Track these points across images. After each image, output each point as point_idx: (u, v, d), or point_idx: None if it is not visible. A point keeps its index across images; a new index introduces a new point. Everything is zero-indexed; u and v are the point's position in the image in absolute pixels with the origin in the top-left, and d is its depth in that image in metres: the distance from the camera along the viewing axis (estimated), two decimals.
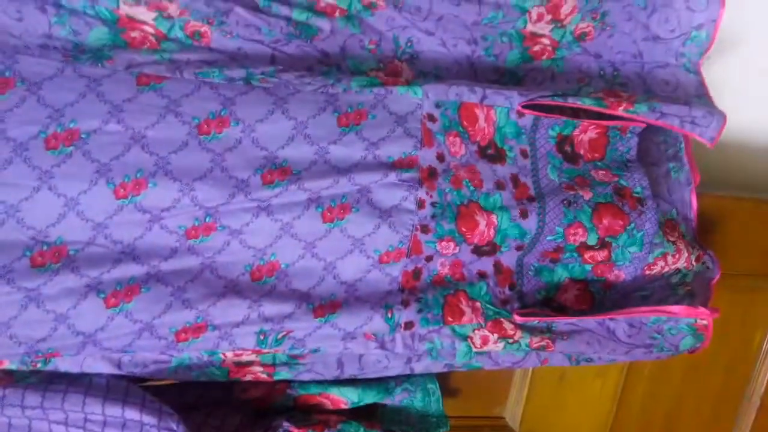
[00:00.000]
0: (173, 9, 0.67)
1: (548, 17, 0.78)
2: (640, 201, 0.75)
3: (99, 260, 0.63)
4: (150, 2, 0.67)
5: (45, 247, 0.62)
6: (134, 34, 0.67)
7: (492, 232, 0.72)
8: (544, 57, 0.80)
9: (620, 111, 0.74)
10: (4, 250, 0.61)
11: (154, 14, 0.67)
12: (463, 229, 0.71)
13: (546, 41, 0.79)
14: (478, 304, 0.73)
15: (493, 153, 0.74)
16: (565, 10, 0.78)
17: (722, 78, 0.89)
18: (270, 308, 0.67)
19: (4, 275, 0.61)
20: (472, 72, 0.79)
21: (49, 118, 0.62)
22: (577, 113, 0.76)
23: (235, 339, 0.67)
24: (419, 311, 0.71)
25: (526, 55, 0.80)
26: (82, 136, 0.62)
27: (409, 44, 0.76)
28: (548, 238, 0.73)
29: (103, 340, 0.64)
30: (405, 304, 0.71)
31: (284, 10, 0.71)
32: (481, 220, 0.71)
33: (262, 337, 0.67)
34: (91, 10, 0.65)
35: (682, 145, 0.83)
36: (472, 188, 0.72)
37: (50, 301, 0.62)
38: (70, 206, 0.62)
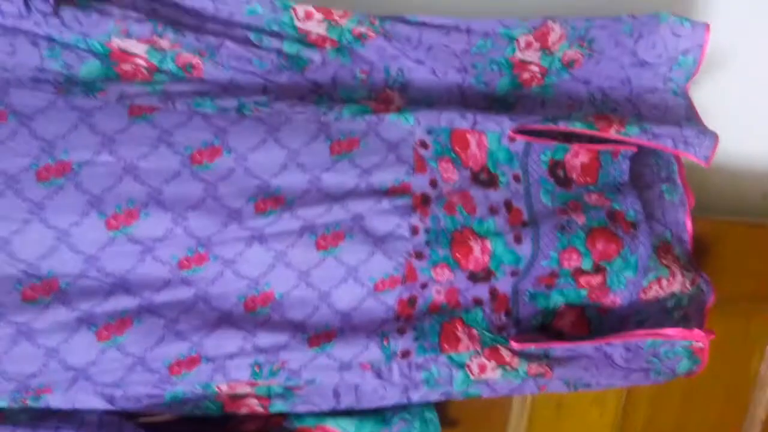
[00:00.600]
0: (165, 43, 0.68)
1: (536, 45, 0.79)
2: (634, 225, 0.75)
3: (91, 293, 0.62)
4: (141, 37, 0.67)
5: (36, 281, 0.61)
6: (126, 66, 0.67)
7: (486, 257, 0.72)
8: (534, 84, 0.81)
9: (612, 133, 0.74)
10: None
11: (145, 47, 0.67)
12: (458, 255, 0.71)
13: (535, 68, 0.80)
14: (474, 331, 0.72)
15: (485, 178, 0.75)
16: (552, 37, 0.79)
17: (712, 101, 0.90)
18: (264, 339, 0.66)
19: None
20: (463, 100, 0.79)
21: (40, 150, 0.62)
22: (569, 138, 0.77)
23: (230, 371, 0.66)
24: (415, 339, 0.71)
25: (516, 82, 0.80)
26: (74, 167, 0.62)
27: (399, 73, 0.77)
28: (543, 263, 0.72)
29: (95, 374, 0.63)
30: (401, 332, 0.70)
31: (275, 43, 0.72)
32: (476, 246, 0.71)
33: (257, 369, 0.66)
34: (83, 43, 0.66)
35: (675, 167, 0.83)
36: (465, 214, 0.72)
37: (41, 335, 0.61)
38: (61, 238, 0.61)
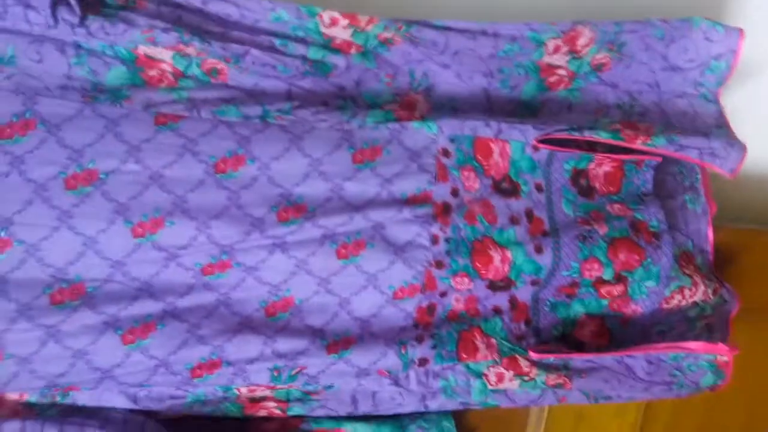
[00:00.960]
0: (191, 50, 0.68)
1: (565, 48, 0.78)
2: (656, 235, 0.74)
3: (116, 298, 0.64)
4: (168, 44, 0.68)
5: (64, 285, 0.63)
6: (152, 72, 0.68)
7: (507, 267, 0.72)
8: (561, 87, 0.80)
9: (638, 144, 0.73)
10: (25, 289, 0.62)
11: (171, 53, 0.68)
12: (478, 265, 0.71)
13: (563, 72, 0.79)
14: (493, 340, 0.73)
15: (507, 187, 0.74)
16: (581, 41, 0.77)
17: (742, 107, 0.88)
18: (284, 344, 0.67)
19: (25, 312, 0.62)
20: (488, 104, 0.79)
21: (68, 159, 0.63)
22: (593, 146, 0.76)
23: (250, 375, 0.67)
24: (433, 347, 0.71)
25: (543, 86, 0.80)
26: (101, 176, 0.63)
27: (424, 77, 0.76)
28: (563, 273, 0.72)
29: (120, 375, 0.65)
30: (419, 340, 0.71)
31: (300, 49, 0.72)
32: (496, 256, 0.71)
33: (276, 373, 0.68)
34: (110, 50, 0.66)
35: (699, 176, 0.82)
36: (486, 223, 0.72)
37: (69, 337, 0.63)
38: (88, 245, 0.63)
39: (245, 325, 0.67)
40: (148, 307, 0.65)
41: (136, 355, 0.64)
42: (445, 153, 0.72)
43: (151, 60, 0.68)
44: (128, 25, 0.67)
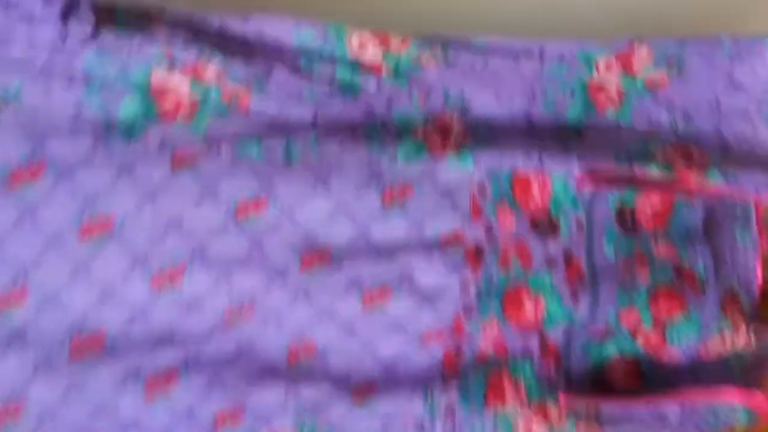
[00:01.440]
0: (210, 72, 0.63)
1: (617, 67, 0.71)
2: (701, 282, 0.70)
3: (137, 348, 0.62)
4: (186, 63, 0.63)
5: (83, 336, 0.61)
6: (167, 104, 0.63)
7: (540, 315, 0.69)
8: (610, 108, 0.74)
9: (691, 182, 0.68)
10: (43, 341, 0.61)
11: (189, 79, 0.63)
12: (509, 312, 0.68)
13: (613, 91, 0.73)
14: (521, 385, 0.71)
15: (545, 225, 0.70)
16: (637, 59, 0.71)
17: None
18: (308, 392, 0.66)
19: (44, 366, 0.61)
20: (529, 127, 0.73)
21: (82, 206, 0.60)
22: (641, 178, 0.70)
23: (273, 423, 0.66)
24: (460, 393, 0.69)
25: (590, 106, 0.73)
26: (117, 222, 0.60)
27: (460, 97, 0.70)
28: (600, 320, 0.69)
29: (143, 425, 0.64)
30: (446, 386, 0.69)
31: (327, 71, 0.66)
32: (528, 303, 0.68)
33: (299, 421, 0.67)
34: (123, 75, 0.62)
35: (752, 208, 0.76)
36: (520, 267, 0.68)
37: (90, 390, 0.62)
38: (107, 295, 0.61)
39: (267, 373, 0.65)
40: (169, 356, 0.63)
41: (158, 407, 0.63)
42: (481, 189, 0.68)
43: (167, 89, 0.63)
44: (145, 37, 0.61)
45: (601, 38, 0.71)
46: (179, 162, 0.62)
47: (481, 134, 0.71)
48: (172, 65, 0.63)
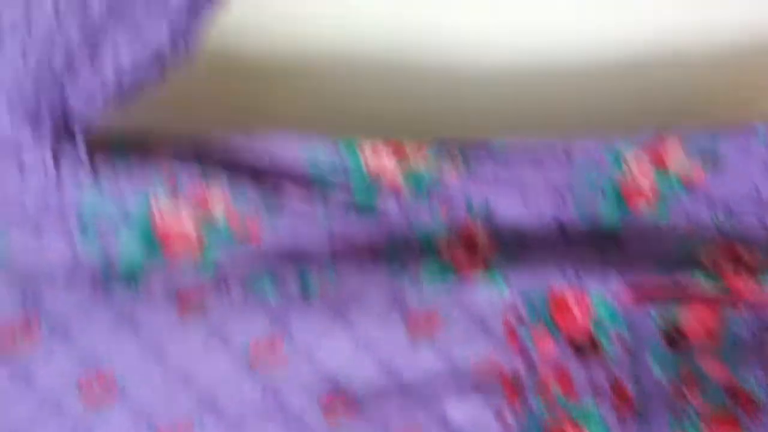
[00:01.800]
0: (216, 198, 0.58)
1: (648, 162, 0.66)
2: (758, 405, 0.64)
3: None
4: (188, 193, 0.58)
5: None
6: (172, 240, 0.58)
7: None
8: (645, 207, 0.68)
9: (744, 291, 0.62)
10: None
11: (193, 209, 0.58)
12: None
13: (647, 190, 0.67)
14: None
15: (587, 347, 0.64)
16: (668, 153, 0.66)
17: None
18: None
19: None
20: (561, 234, 0.67)
21: (81, 365, 0.55)
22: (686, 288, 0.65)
23: None
24: None
25: (624, 207, 0.68)
26: (118, 379, 0.55)
27: (484, 205, 0.65)
28: None
29: None
30: None
31: (343, 193, 0.61)
32: None
33: None
34: (122, 212, 0.57)
35: None
36: (562, 398, 0.62)
37: None
38: None
39: None
40: None
41: None
42: (515, 313, 0.62)
43: (170, 224, 0.58)
44: (145, 163, 0.57)
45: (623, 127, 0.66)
46: (186, 306, 0.57)
47: (510, 245, 0.66)
48: (174, 193, 0.58)
